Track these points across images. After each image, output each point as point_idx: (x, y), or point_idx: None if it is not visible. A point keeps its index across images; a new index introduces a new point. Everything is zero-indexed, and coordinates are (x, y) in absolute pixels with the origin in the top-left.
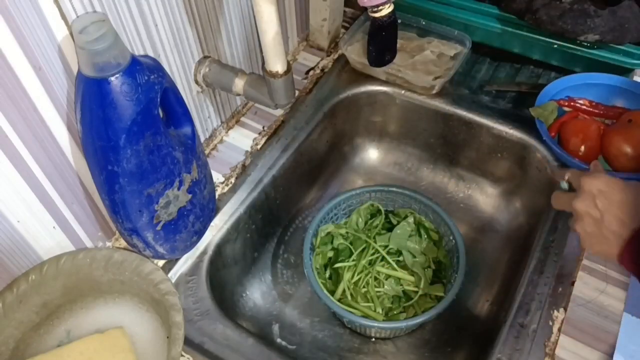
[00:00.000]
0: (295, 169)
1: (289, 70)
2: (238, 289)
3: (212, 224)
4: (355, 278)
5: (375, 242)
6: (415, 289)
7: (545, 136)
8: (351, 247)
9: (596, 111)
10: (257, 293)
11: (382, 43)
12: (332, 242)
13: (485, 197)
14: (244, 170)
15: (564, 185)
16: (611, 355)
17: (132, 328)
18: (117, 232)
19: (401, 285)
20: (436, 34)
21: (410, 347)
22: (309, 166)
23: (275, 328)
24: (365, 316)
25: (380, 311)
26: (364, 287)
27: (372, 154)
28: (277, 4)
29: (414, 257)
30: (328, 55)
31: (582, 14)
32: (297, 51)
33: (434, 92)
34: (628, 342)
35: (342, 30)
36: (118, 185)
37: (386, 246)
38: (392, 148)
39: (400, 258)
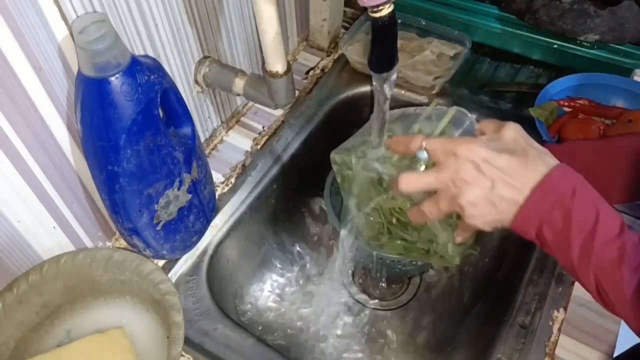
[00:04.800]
0: (295, 169)
1: (289, 70)
2: (238, 289)
3: (212, 224)
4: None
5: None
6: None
7: (545, 136)
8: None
9: (596, 111)
10: (257, 293)
11: (384, 47)
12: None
13: None
14: (244, 170)
15: (423, 155)
16: (611, 355)
17: (132, 328)
18: (117, 232)
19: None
20: (436, 34)
21: (410, 347)
22: (309, 166)
23: (276, 327)
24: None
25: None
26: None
27: None
28: (277, 4)
29: None
30: (328, 55)
31: (582, 14)
32: (297, 51)
33: (434, 92)
34: (628, 342)
35: (342, 30)
36: (118, 185)
37: None
38: None
39: None
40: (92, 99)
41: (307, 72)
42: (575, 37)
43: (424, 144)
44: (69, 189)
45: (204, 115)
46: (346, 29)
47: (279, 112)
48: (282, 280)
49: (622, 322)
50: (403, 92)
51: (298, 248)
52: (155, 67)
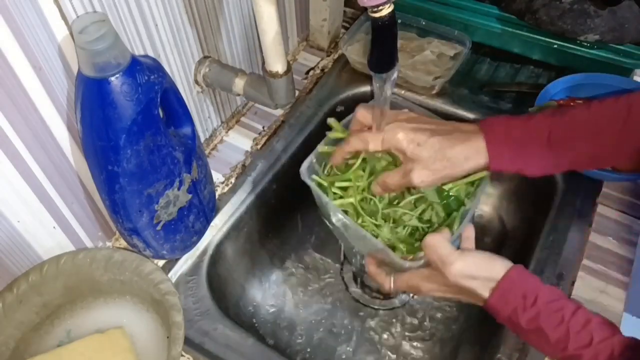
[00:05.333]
0: (295, 169)
1: (289, 70)
2: (238, 289)
3: (212, 224)
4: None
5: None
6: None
7: None
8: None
9: None
10: (257, 293)
11: (384, 47)
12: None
13: (485, 197)
14: (244, 170)
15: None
16: None
17: (132, 328)
18: (117, 232)
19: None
20: (436, 34)
21: (411, 347)
22: None
23: (275, 328)
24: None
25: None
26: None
27: None
28: (277, 4)
29: None
30: (328, 55)
31: (582, 14)
32: (297, 51)
33: (434, 92)
34: None
35: (342, 30)
36: (118, 185)
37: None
38: None
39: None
40: (92, 99)
41: (307, 72)
42: (575, 37)
43: (392, 280)
44: (69, 189)
45: (204, 115)
46: (346, 29)
47: (279, 112)
48: (282, 280)
49: (622, 322)
50: (403, 92)
51: (298, 248)
52: (155, 67)
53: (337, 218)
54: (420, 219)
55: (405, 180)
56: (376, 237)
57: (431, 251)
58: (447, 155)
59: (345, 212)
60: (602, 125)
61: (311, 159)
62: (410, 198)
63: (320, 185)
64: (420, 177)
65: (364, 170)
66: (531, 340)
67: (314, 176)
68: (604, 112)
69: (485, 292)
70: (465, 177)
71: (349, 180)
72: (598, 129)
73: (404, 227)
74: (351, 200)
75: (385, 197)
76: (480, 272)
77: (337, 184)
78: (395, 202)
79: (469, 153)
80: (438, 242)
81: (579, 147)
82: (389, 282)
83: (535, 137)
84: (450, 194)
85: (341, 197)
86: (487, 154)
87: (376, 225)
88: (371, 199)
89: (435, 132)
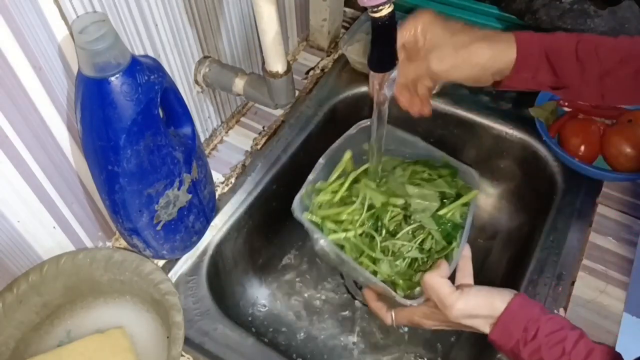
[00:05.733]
0: (295, 169)
1: (289, 70)
2: (238, 289)
3: (212, 224)
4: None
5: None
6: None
7: (545, 136)
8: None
9: (596, 111)
10: (257, 293)
11: (384, 47)
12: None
13: (485, 197)
14: (244, 170)
15: None
16: None
17: (132, 328)
18: (117, 232)
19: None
20: None
21: (411, 346)
22: (309, 166)
23: (276, 328)
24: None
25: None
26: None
27: None
28: (277, 4)
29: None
30: (328, 55)
31: (582, 14)
32: (297, 51)
33: (434, 92)
34: (628, 342)
35: (342, 30)
36: (118, 185)
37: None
38: None
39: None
40: (92, 99)
41: (307, 72)
42: None
43: (393, 316)
44: (69, 189)
45: (204, 115)
46: (346, 29)
47: (279, 112)
48: (282, 280)
49: (622, 322)
50: None
51: (298, 248)
52: (155, 67)
53: (334, 254)
54: (420, 248)
55: (423, 62)
56: (375, 273)
57: (431, 292)
58: (474, 44)
59: (341, 247)
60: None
61: (301, 193)
62: (408, 228)
63: (313, 221)
64: (439, 56)
65: (362, 204)
66: None
67: (306, 213)
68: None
69: (486, 329)
70: (479, 83)
71: (348, 214)
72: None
73: (404, 259)
74: (348, 234)
75: (382, 230)
76: (481, 310)
77: (332, 217)
78: (393, 234)
79: (496, 52)
80: (437, 283)
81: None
82: (390, 318)
83: (564, 52)
84: (447, 217)
85: (335, 232)
86: (515, 55)
87: (374, 261)
88: (369, 233)
89: (467, 26)
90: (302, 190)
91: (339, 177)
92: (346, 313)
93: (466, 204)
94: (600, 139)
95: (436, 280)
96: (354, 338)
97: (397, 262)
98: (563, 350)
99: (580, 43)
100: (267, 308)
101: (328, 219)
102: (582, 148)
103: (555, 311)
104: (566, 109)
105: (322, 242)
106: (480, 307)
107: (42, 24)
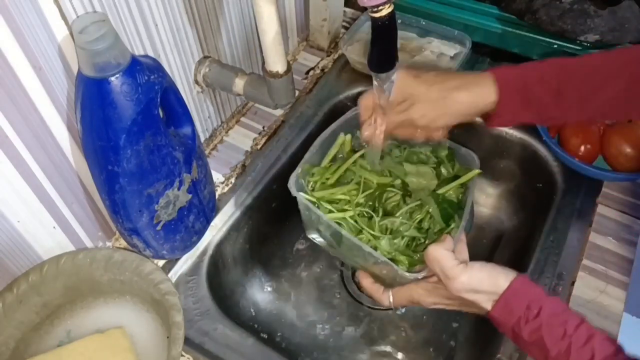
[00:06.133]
0: (295, 169)
1: (289, 70)
2: (238, 289)
3: (212, 224)
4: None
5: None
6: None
7: (545, 136)
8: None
9: None
10: (257, 293)
11: (384, 47)
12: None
13: (485, 197)
14: (244, 170)
15: None
16: None
17: (132, 328)
18: (117, 232)
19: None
20: (436, 34)
21: (410, 347)
22: None
23: (275, 328)
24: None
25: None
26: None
27: None
28: (277, 4)
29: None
30: (328, 55)
31: (582, 14)
32: (297, 51)
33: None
34: (628, 342)
35: (342, 30)
36: (118, 185)
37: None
38: None
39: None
40: (92, 99)
41: (307, 72)
42: (575, 37)
43: (390, 296)
44: (69, 189)
45: (204, 115)
46: (346, 29)
47: (279, 112)
48: (282, 280)
49: (622, 322)
50: None
51: (298, 248)
52: (155, 67)
53: (332, 231)
54: (418, 228)
55: (405, 115)
56: (375, 249)
57: (434, 264)
58: (452, 94)
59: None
60: (613, 72)
61: (297, 172)
62: (406, 208)
63: (309, 200)
64: (420, 111)
65: (357, 185)
66: (532, 353)
67: (301, 193)
68: (614, 59)
69: (488, 305)
70: (466, 121)
71: (343, 194)
72: (609, 74)
73: (402, 237)
74: (346, 214)
75: (379, 210)
76: (484, 286)
77: (329, 198)
78: (391, 214)
79: (476, 97)
80: (441, 255)
81: (588, 97)
82: (387, 298)
83: (544, 86)
84: (446, 197)
85: (332, 212)
86: (497, 97)
87: (374, 237)
88: (366, 212)
89: (441, 74)
90: (298, 170)
91: (333, 159)
92: (347, 313)
93: (465, 184)
94: (600, 139)
95: (441, 252)
96: (354, 338)
97: (396, 241)
98: (564, 332)
99: (561, 73)
100: (267, 308)
101: (324, 199)
102: (582, 148)
103: None
104: None
105: (323, 219)
106: (483, 282)
107: (42, 24)
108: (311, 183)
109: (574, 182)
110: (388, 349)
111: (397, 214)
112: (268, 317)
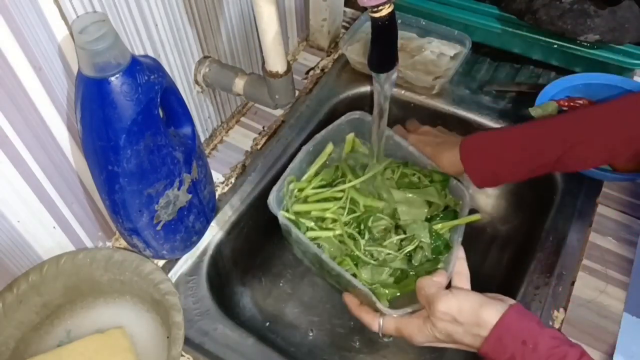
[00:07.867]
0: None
1: (289, 70)
2: (238, 289)
3: (212, 224)
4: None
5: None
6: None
7: None
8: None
9: None
10: (257, 293)
11: (384, 47)
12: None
13: (485, 197)
14: (244, 170)
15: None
16: (611, 355)
17: (132, 328)
18: (117, 232)
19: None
20: (436, 34)
21: (410, 347)
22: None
23: (276, 328)
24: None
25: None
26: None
27: None
28: (277, 4)
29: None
30: (328, 55)
31: (582, 14)
32: (297, 51)
33: (434, 92)
34: (628, 342)
35: (342, 30)
36: (118, 185)
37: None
38: None
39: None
40: (92, 99)
41: (307, 72)
42: (575, 37)
43: (381, 322)
44: (69, 189)
45: (204, 115)
46: (346, 29)
47: (279, 112)
48: (282, 280)
49: (622, 322)
50: (403, 92)
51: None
52: (155, 67)
53: (312, 254)
54: (408, 263)
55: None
56: (354, 277)
57: (420, 293)
58: (439, 157)
59: (318, 246)
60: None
61: (278, 187)
62: (395, 238)
63: (288, 218)
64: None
65: (344, 204)
66: None
67: (282, 212)
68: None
69: (466, 339)
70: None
71: (327, 210)
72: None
73: (389, 268)
74: (330, 233)
75: (365, 233)
76: (463, 316)
77: (314, 214)
78: (378, 241)
79: (454, 160)
80: (426, 282)
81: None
82: (377, 325)
83: (509, 147)
84: (440, 233)
85: (313, 230)
86: (463, 166)
87: (356, 263)
88: (351, 235)
89: (438, 138)
90: (280, 183)
91: (320, 168)
92: (347, 313)
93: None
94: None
95: (427, 281)
96: (354, 337)
97: (380, 271)
98: None
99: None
100: (267, 308)
101: (304, 215)
102: None
103: (555, 311)
104: (566, 109)
105: (299, 239)
106: (463, 312)
107: (42, 24)
108: (293, 199)
109: (573, 182)
110: (388, 348)
111: (386, 243)
112: (268, 317)
